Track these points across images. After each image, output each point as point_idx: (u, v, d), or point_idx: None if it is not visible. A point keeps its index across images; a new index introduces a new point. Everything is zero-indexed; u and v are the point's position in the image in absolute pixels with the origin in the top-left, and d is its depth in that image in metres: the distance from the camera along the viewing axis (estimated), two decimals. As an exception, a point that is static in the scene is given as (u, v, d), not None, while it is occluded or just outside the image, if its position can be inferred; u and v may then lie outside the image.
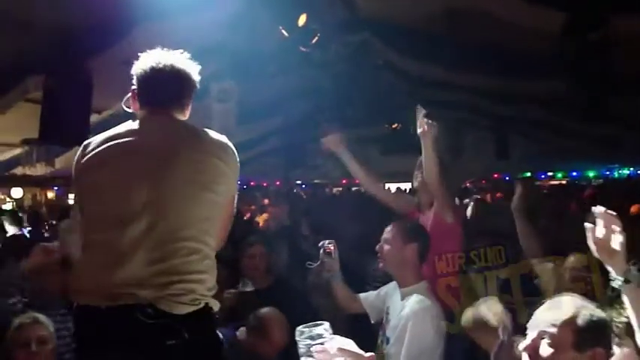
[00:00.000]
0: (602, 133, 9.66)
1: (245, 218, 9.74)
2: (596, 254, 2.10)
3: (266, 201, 11.85)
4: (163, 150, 2.23)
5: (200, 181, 2.23)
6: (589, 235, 2.08)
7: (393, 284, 3.58)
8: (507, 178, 17.74)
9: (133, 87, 2.44)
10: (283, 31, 6.56)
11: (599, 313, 1.98)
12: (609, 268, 2.06)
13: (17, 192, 13.51)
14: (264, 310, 3.74)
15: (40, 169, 9.35)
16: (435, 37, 6.96)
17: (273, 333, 3.61)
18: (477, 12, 5.89)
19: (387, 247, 3.48)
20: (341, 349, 1.49)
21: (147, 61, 2.41)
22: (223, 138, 2.41)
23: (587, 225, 2.10)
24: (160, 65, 2.38)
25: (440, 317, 3.29)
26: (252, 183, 16.88)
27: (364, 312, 3.76)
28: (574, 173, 18.49)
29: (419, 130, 3.89)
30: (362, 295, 3.83)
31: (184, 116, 2.47)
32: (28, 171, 9.87)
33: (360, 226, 6.16)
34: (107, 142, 2.28)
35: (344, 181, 19.03)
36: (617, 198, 8.24)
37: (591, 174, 18.39)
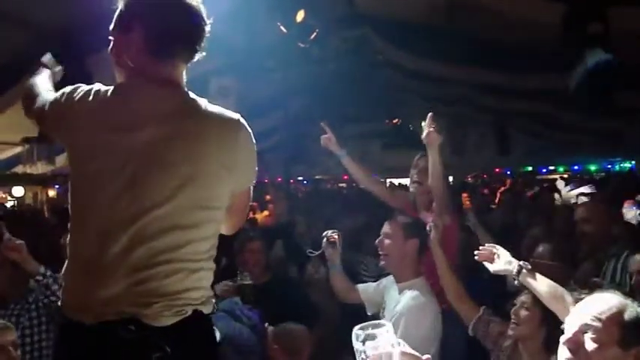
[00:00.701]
0: (603, 127, 9.66)
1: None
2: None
3: (268, 197, 11.85)
4: (157, 154, 1.89)
5: (196, 198, 1.92)
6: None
7: (392, 279, 3.57)
8: (508, 173, 17.76)
9: (130, 26, 1.99)
10: (282, 27, 6.56)
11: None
12: None
13: (18, 190, 13.51)
14: (296, 328, 3.56)
15: (40, 168, 9.34)
16: (435, 31, 6.95)
17: (303, 354, 3.51)
18: (477, 6, 5.88)
19: (387, 241, 3.48)
20: (403, 353, 1.39)
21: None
22: (232, 121, 2.04)
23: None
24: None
25: (436, 314, 3.29)
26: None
27: (361, 304, 3.75)
28: (575, 167, 18.49)
29: (424, 137, 3.84)
30: (360, 286, 3.83)
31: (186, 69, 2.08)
32: (29, 169, 9.86)
33: (354, 222, 6.17)
34: (105, 116, 1.92)
35: (345, 177, 19.04)
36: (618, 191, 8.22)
37: (593, 167, 18.39)
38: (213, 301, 2.08)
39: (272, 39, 7.07)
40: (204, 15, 2.01)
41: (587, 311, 1.90)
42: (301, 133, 12.98)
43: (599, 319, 1.85)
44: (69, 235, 1.99)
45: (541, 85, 7.55)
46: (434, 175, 3.85)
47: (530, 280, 2.70)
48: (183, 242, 1.91)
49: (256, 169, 2.13)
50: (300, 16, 6.53)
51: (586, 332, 1.86)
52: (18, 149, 9.21)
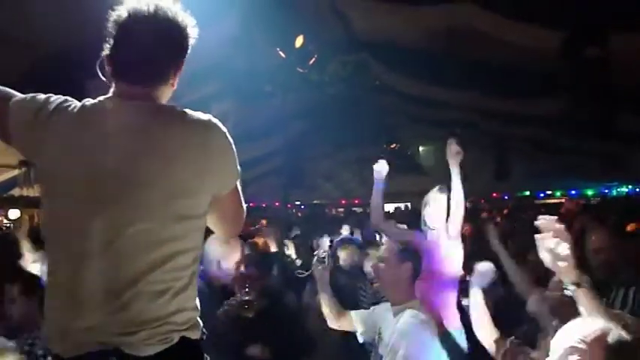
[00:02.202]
0: (601, 151, 9.70)
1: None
2: (548, 264, 2.15)
3: (264, 222, 11.81)
4: (130, 170, 1.78)
5: (174, 209, 1.80)
6: (540, 245, 2.14)
7: (384, 305, 3.60)
8: (506, 197, 17.77)
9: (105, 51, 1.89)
10: (281, 53, 6.60)
11: (628, 334, 1.98)
12: (561, 278, 2.15)
13: (14, 213, 13.47)
14: None
15: (37, 190, 9.33)
16: (433, 56, 7.00)
17: None
18: (475, 32, 5.93)
19: (382, 265, 3.50)
20: None
21: (125, 12, 1.85)
22: (202, 125, 1.87)
23: (537, 236, 2.14)
24: (144, 19, 1.83)
25: (434, 332, 3.32)
26: (251, 204, 16.84)
27: (352, 330, 3.74)
28: (572, 192, 18.54)
29: (447, 151, 4.08)
30: (353, 312, 3.82)
31: (172, 88, 1.96)
32: (26, 192, 9.84)
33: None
34: (72, 137, 1.81)
35: (343, 202, 19.04)
36: (615, 215, 8.21)
37: (590, 192, 18.44)
38: (201, 324, 1.93)
39: (271, 64, 7.11)
40: (168, 37, 1.87)
41: (572, 334, 1.95)
42: (300, 157, 13.00)
43: (585, 342, 1.90)
44: (46, 262, 1.88)
45: (539, 109, 7.59)
46: (458, 198, 4.12)
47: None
48: (166, 257, 1.78)
49: (238, 167, 1.96)
50: (299, 41, 6.58)
51: (572, 355, 1.90)
52: (15, 172, 9.21)
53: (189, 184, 1.82)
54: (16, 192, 10.24)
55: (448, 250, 4.10)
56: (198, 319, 1.91)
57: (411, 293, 3.48)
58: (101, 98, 1.87)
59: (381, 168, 4.64)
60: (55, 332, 1.81)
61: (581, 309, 2.11)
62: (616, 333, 1.92)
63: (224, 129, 1.90)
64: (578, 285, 2.12)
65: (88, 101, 1.87)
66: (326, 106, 10.37)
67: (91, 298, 1.74)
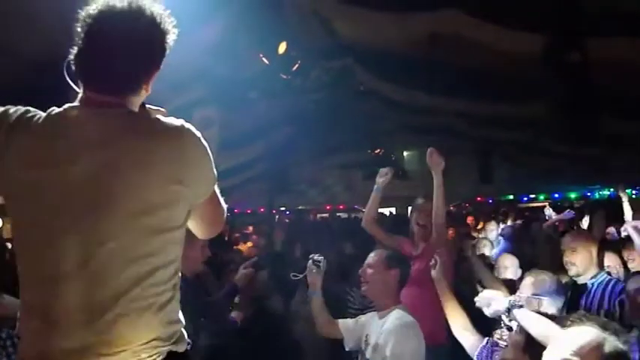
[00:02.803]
0: (585, 154, 9.78)
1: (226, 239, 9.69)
2: None
3: (250, 228, 11.78)
4: (100, 184, 1.66)
5: (151, 223, 1.70)
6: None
7: (370, 314, 3.69)
8: (490, 201, 17.87)
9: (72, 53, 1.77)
10: (264, 59, 6.59)
11: (622, 344, 1.97)
12: None
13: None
14: None
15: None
16: (417, 62, 7.01)
17: None
18: (458, 37, 5.95)
19: (370, 271, 3.61)
20: None
21: (95, 9, 1.71)
22: (175, 132, 1.75)
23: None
24: (113, 18, 1.69)
25: (420, 334, 3.36)
26: (235, 210, 16.79)
27: (341, 337, 3.77)
28: (556, 195, 18.69)
29: (428, 159, 4.16)
30: (340, 320, 3.85)
31: (146, 93, 1.83)
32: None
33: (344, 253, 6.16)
34: (37, 148, 1.69)
35: (328, 207, 19.04)
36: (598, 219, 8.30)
37: (573, 195, 18.60)
38: (186, 335, 1.85)
39: (254, 70, 7.09)
40: (140, 40, 1.74)
41: (566, 346, 1.94)
42: (284, 163, 12.98)
43: (579, 354, 1.89)
44: (20, 278, 1.75)
45: (522, 113, 7.64)
46: (438, 206, 4.27)
47: (521, 318, 2.70)
48: (146, 272, 1.69)
49: (214, 172, 1.86)
50: (282, 47, 6.57)
51: None
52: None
53: (164, 196, 1.71)
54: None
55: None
56: (183, 330, 1.85)
57: (397, 299, 3.56)
58: (67, 106, 1.75)
59: (386, 173, 4.82)
60: (33, 355, 1.71)
61: None
62: (611, 344, 1.91)
63: (198, 134, 1.79)
64: None
65: (54, 110, 1.75)
66: (310, 111, 10.36)
67: (72, 320, 1.65)
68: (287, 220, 15.82)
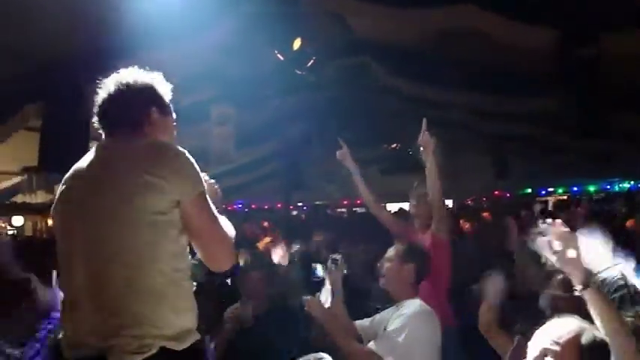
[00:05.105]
0: (599, 148, 9.71)
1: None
2: (557, 265, 2.20)
3: (265, 224, 11.82)
4: (94, 201, 1.99)
5: (128, 217, 1.93)
6: (546, 248, 2.19)
7: (386, 311, 3.65)
8: (508, 195, 17.75)
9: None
10: (279, 55, 6.63)
11: (601, 335, 2.01)
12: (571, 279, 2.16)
13: (18, 220, 13.50)
14: None
15: (40, 197, 9.37)
16: (431, 57, 7.03)
17: None
18: (471, 32, 5.96)
19: (387, 264, 3.60)
20: None
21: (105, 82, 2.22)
22: (160, 142, 2.12)
23: (543, 239, 2.19)
24: (107, 88, 2.19)
25: (437, 323, 3.34)
26: (253, 206, 16.85)
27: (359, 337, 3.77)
28: (575, 188, 18.46)
29: (419, 140, 4.06)
30: (357, 322, 3.85)
31: (153, 127, 2.17)
32: (29, 199, 9.88)
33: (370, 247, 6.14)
34: (66, 182, 2.14)
35: (345, 202, 19.04)
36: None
37: (592, 188, 18.36)
38: (194, 334, 1.97)
39: (269, 67, 7.14)
40: (137, 87, 2.17)
41: (547, 336, 2.00)
42: (300, 159, 13.03)
43: (558, 343, 1.95)
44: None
45: (537, 108, 7.61)
46: (431, 181, 4.09)
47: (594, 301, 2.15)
48: (138, 265, 1.91)
49: (199, 175, 2.03)
50: (297, 44, 6.61)
51: (546, 356, 1.96)
52: (17, 179, 9.24)
53: (138, 186, 1.94)
54: (18, 199, 10.29)
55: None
56: (194, 332, 1.97)
57: (414, 293, 3.52)
58: (93, 149, 2.17)
59: (342, 156, 4.83)
60: (65, 332, 1.99)
61: (590, 310, 2.12)
62: (590, 334, 1.95)
63: (183, 150, 2.03)
64: (585, 286, 2.12)
65: (84, 157, 2.15)
66: (325, 107, 10.39)
67: (80, 300, 1.93)
68: (303, 216, 15.83)
